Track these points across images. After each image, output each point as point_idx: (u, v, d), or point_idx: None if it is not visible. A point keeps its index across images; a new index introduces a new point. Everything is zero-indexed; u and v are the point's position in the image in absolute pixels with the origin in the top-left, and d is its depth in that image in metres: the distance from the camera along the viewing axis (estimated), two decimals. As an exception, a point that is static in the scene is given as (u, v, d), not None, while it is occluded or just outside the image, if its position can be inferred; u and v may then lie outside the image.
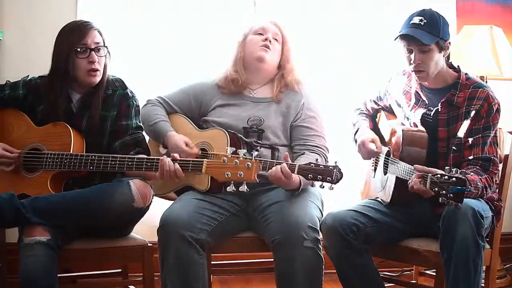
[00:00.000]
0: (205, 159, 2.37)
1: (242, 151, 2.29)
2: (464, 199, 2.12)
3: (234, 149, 2.31)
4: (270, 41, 2.70)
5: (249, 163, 2.27)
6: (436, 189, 2.14)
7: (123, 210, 2.40)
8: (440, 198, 2.13)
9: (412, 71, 2.50)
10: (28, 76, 2.63)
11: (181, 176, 2.42)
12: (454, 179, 2.11)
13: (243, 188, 2.29)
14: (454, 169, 2.16)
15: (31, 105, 2.58)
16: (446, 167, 2.18)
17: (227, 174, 2.29)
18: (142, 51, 3.38)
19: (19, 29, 3.32)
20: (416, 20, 2.44)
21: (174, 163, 2.41)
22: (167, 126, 2.70)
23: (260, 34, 2.71)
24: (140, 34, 3.37)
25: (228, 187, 2.31)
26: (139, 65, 3.37)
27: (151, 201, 2.50)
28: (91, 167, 2.44)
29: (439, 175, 2.15)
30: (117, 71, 3.17)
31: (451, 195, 2.10)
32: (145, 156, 2.49)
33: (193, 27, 3.40)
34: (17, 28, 3.32)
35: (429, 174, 2.19)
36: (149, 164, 2.44)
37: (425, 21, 2.43)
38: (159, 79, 3.34)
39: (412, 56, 2.46)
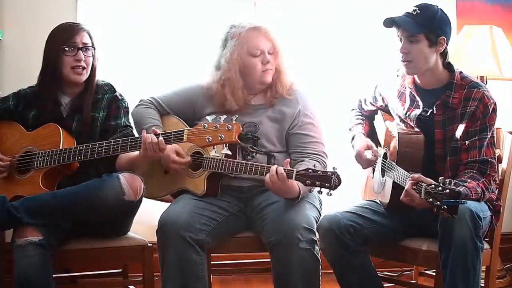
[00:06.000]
0: (186, 128, 2.37)
1: (222, 117, 2.28)
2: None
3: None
4: (268, 61, 2.63)
5: (229, 125, 2.26)
6: (431, 199, 2.14)
7: (114, 203, 2.40)
8: (435, 209, 2.13)
9: (401, 61, 2.47)
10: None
11: (164, 148, 2.41)
12: (447, 190, 2.10)
13: (225, 151, 2.29)
14: (448, 180, 2.15)
15: (22, 113, 2.62)
16: (440, 178, 2.17)
17: (208, 139, 2.28)
18: (141, 51, 3.38)
19: (19, 29, 3.32)
20: (410, 9, 2.43)
21: (157, 136, 2.40)
22: None
23: (257, 56, 2.63)
24: (139, 34, 3.37)
25: (212, 152, 2.31)
26: (138, 65, 3.37)
27: (142, 194, 2.50)
28: (79, 157, 2.46)
29: (433, 186, 2.14)
30: (116, 70, 3.17)
31: (445, 206, 2.10)
32: (128, 137, 2.50)
33: (192, 27, 3.40)
34: (17, 28, 3.32)
35: (424, 184, 2.19)
36: (133, 143, 2.45)
37: (419, 12, 2.42)
38: (157, 79, 3.34)
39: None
